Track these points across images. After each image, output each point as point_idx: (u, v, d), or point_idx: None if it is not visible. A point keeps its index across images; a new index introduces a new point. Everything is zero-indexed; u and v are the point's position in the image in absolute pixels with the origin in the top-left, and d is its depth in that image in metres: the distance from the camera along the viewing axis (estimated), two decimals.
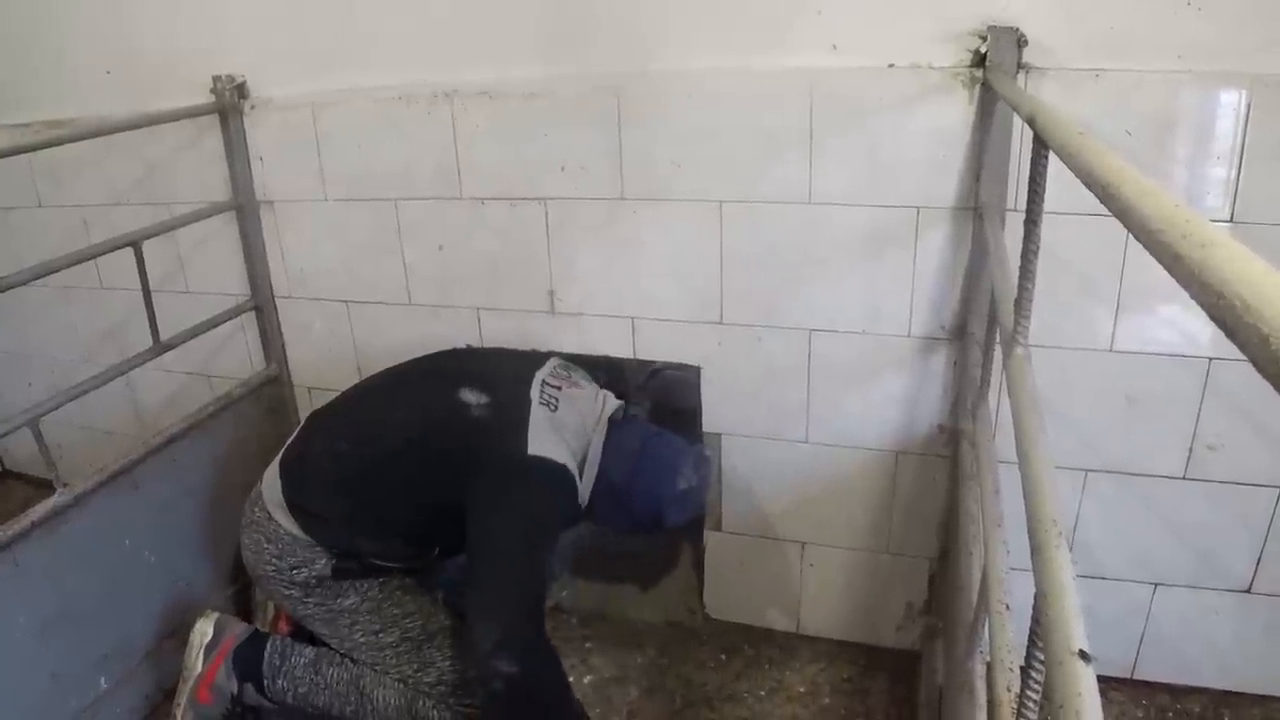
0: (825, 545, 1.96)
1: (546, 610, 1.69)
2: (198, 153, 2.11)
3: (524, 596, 1.54)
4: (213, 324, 2.09)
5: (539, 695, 1.54)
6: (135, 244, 1.83)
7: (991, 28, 1.53)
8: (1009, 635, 1.00)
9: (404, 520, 1.66)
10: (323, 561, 1.65)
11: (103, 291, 2.39)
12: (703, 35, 1.69)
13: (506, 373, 1.71)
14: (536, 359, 1.75)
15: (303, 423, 1.77)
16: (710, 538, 2.05)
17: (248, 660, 1.74)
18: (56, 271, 1.70)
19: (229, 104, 2.01)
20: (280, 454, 1.74)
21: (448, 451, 1.61)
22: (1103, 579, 1.80)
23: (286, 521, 1.65)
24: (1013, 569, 1.38)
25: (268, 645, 1.75)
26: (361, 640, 1.69)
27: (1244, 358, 0.34)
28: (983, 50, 1.55)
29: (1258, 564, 1.74)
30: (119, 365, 1.88)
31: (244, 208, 2.11)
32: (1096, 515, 1.77)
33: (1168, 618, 1.82)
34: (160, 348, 1.93)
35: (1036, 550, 0.69)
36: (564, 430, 1.63)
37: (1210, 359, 1.62)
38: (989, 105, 1.56)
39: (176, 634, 1.95)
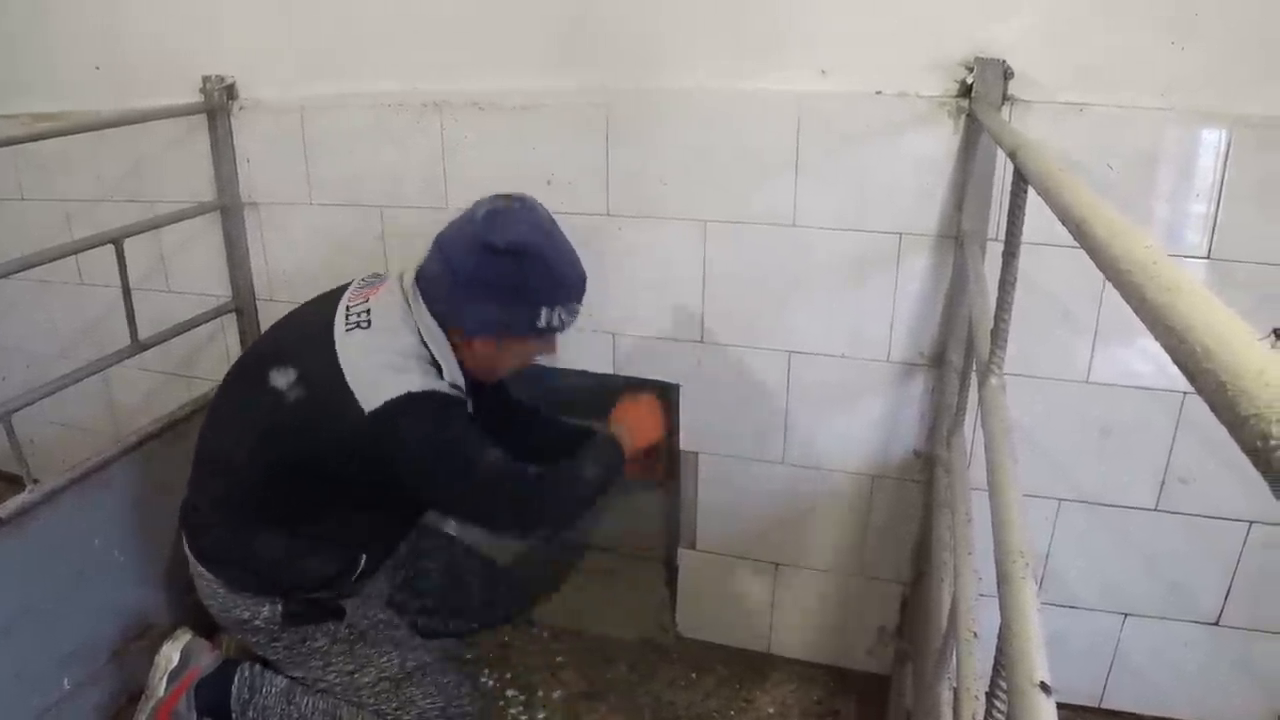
0: (799, 567, 1.96)
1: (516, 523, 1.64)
2: (184, 152, 2.11)
3: (494, 498, 1.52)
4: (192, 324, 2.08)
5: (574, 507, 1.65)
6: (117, 241, 1.81)
7: (978, 59, 1.55)
8: (975, 664, 1.01)
9: (307, 532, 1.57)
10: (268, 607, 1.59)
11: (82, 287, 2.37)
12: (695, 54, 1.70)
13: (310, 324, 1.54)
14: (337, 290, 1.60)
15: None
16: (684, 556, 2.05)
17: (212, 693, 1.69)
18: (36, 266, 1.69)
19: (218, 104, 2.01)
20: (180, 508, 1.69)
21: (297, 452, 1.47)
22: (1073, 608, 1.81)
23: (213, 579, 1.60)
24: (982, 595, 1.41)
25: (236, 677, 1.69)
26: (336, 681, 1.66)
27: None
28: (969, 81, 1.56)
29: (1226, 597, 1.76)
30: (96, 363, 1.86)
31: (229, 208, 2.10)
32: (1068, 545, 1.78)
33: (1137, 648, 1.83)
34: (138, 346, 1.91)
35: (1003, 580, 0.69)
36: (388, 339, 1.46)
37: (1184, 393, 1.64)
38: (974, 135, 1.57)
39: (144, 636, 1.93)
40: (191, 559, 1.64)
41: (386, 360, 1.44)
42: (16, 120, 2.19)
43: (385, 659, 1.67)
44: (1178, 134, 1.54)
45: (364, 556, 1.64)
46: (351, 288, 1.59)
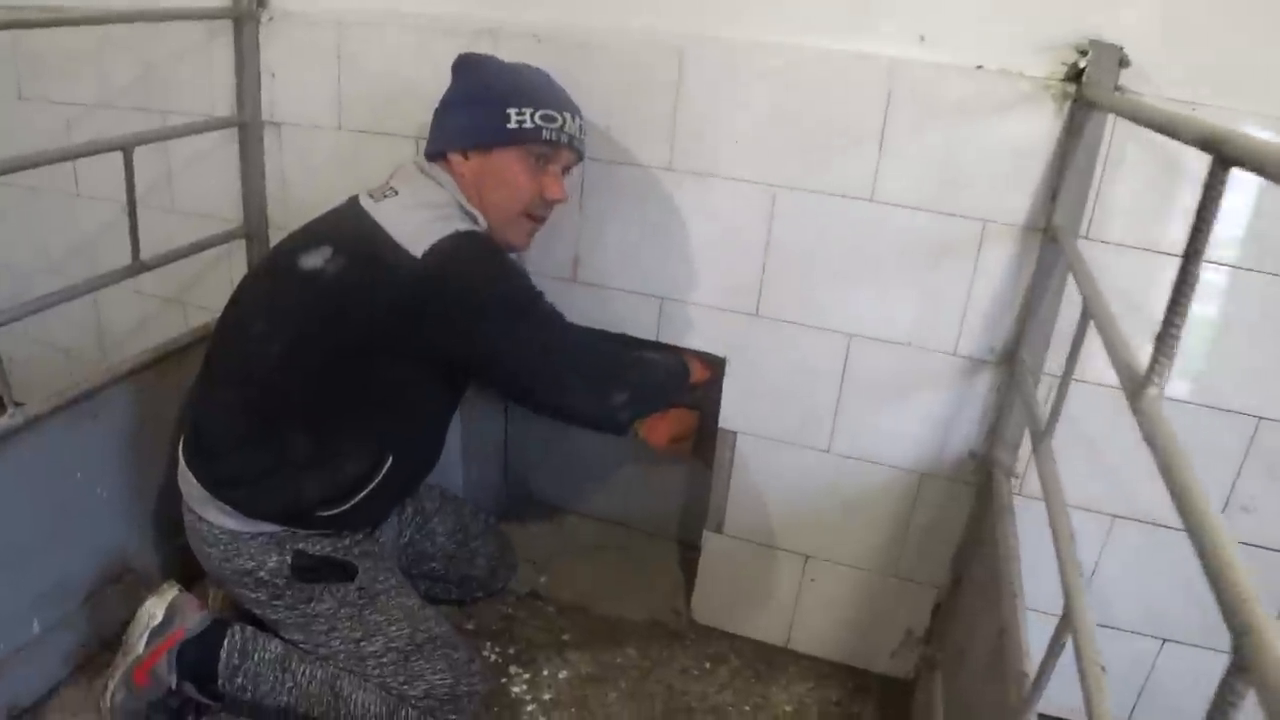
0: (830, 561, 1.87)
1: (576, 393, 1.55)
2: (203, 60, 1.93)
3: (567, 359, 1.51)
4: (198, 248, 1.92)
5: (650, 383, 1.65)
6: (126, 149, 1.64)
7: (1094, 42, 1.43)
8: (1107, 699, 0.91)
9: (338, 431, 1.48)
10: (275, 558, 1.49)
11: (78, 199, 2.19)
12: (784, 6, 1.57)
13: (331, 214, 1.55)
14: (350, 198, 1.56)
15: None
16: (709, 539, 1.94)
17: (197, 656, 1.54)
18: (35, 167, 1.52)
19: (245, 10, 1.83)
20: (180, 442, 1.58)
21: (340, 326, 1.41)
22: (1114, 629, 1.74)
23: (217, 515, 1.49)
24: (1030, 609, 1.33)
25: (225, 640, 1.55)
26: (340, 648, 1.54)
27: None
28: (1081, 65, 1.45)
29: None
30: (92, 280, 1.69)
31: (247, 126, 1.93)
32: (1117, 563, 1.70)
33: (1171, 674, 1.77)
34: (140, 266, 1.75)
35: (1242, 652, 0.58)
36: (422, 196, 1.49)
37: (1259, 419, 1.56)
38: (1078, 123, 1.46)
39: (122, 579, 1.79)
40: (197, 495, 1.50)
41: (425, 213, 1.44)
42: (23, 12, 1.99)
43: (395, 628, 1.55)
44: None
45: (391, 458, 1.53)
46: (362, 192, 1.55)
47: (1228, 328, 1.53)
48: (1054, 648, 1.05)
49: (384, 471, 1.52)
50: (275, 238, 2.02)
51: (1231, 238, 1.48)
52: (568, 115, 1.52)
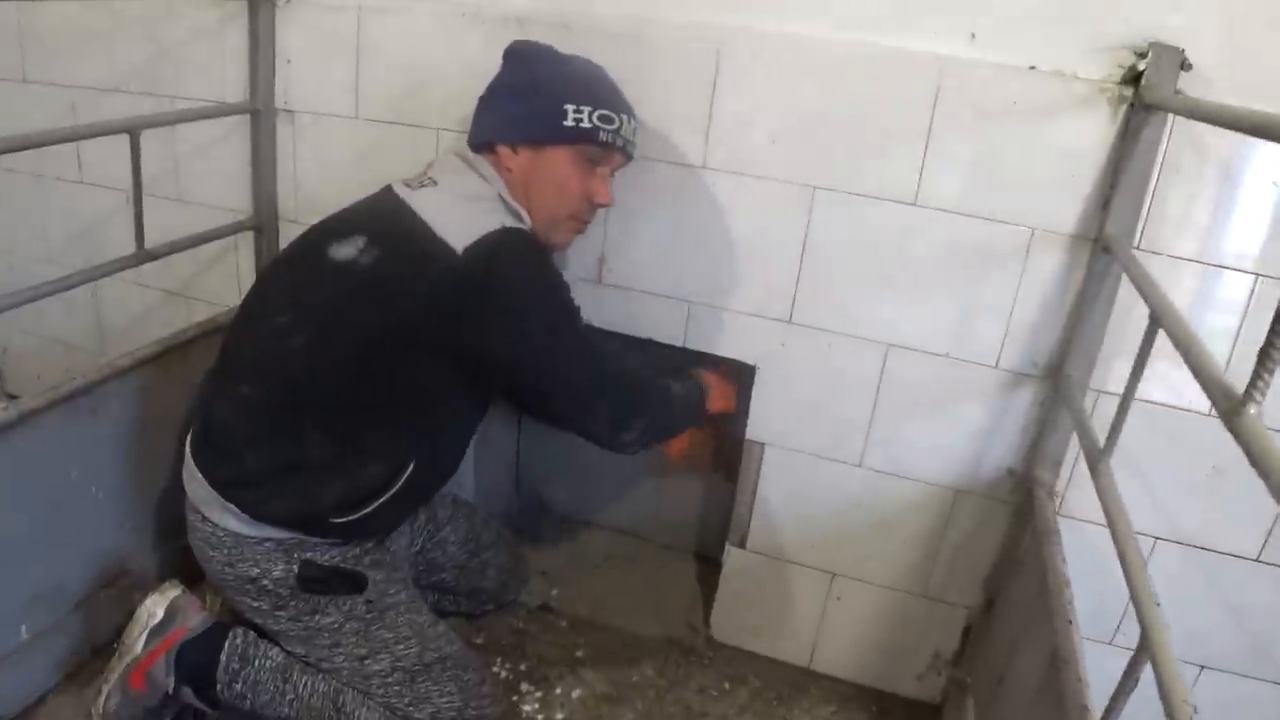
0: (858, 580, 1.79)
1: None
2: (217, 44, 1.86)
3: (594, 378, 1.45)
4: (204, 238, 1.84)
5: (666, 415, 1.59)
6: (133, 131, 1.57)
7: (1154, 44, 1.38)
8: None
9: (361, 432, 1.40)
10: (281, 566, 1.40)
11: (82, 186, 2.10)
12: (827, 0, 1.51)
13: (364, 203, 1.47)
14: (383, 188, 1.48)
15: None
16: (731, 554, 1.87)
17: (196, 662, 1.47)
18: (38, 147, 1.45)
19: None
20: (188, 439, 1.49)
21: (371, 319, 1.33)
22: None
23: (223, 516, 1.40)
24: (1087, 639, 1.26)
25: (226, 643, 1.48)
26: (344, 665, 1.46)
27: None
28: (1140, 67, 1.39)
29: None
30: (93, 269, 1.62)
31: (260, 114, 1.85)
32: (1158, 587, 1.63)
33: (1207, 703, 1.69)
34: (144, 255, 1.67)
35: None
36: (462, 186, 1.41)
37: None
38: (1135, 128, 1.40)
39: (116, 583, 1.71)
40: (203, 495, 1.42)
41: (468, 205, 1.38)
42: None
43: (403, 647, 1.47)
44: None
45: (412, 465, 1.44)
46: (396, 182, 1.46)
47: None
48: (1127, 682, 0.98)
49: (404, 478, 1.44)
50: (285, 230, 1.95)
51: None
52: (624, 117, 1.45)
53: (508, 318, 1.33)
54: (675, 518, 2.18)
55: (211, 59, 1.88)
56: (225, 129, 1.90)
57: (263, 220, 1.93)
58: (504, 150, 1.44)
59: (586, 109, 1.40)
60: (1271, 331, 0.86)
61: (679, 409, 1.63)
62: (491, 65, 1.65)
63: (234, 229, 1.90)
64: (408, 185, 1.42)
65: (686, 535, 2.19)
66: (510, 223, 1.35)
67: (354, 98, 1.80)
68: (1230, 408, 0.88)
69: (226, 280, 2.03)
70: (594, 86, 1.45)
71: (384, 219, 1.38)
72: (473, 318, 1.31)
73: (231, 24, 1.83)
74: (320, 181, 1.90)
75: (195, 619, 1.52)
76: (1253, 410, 0.86)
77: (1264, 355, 0.87)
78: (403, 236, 1.33)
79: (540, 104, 1.41)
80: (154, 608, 1.51)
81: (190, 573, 1.57)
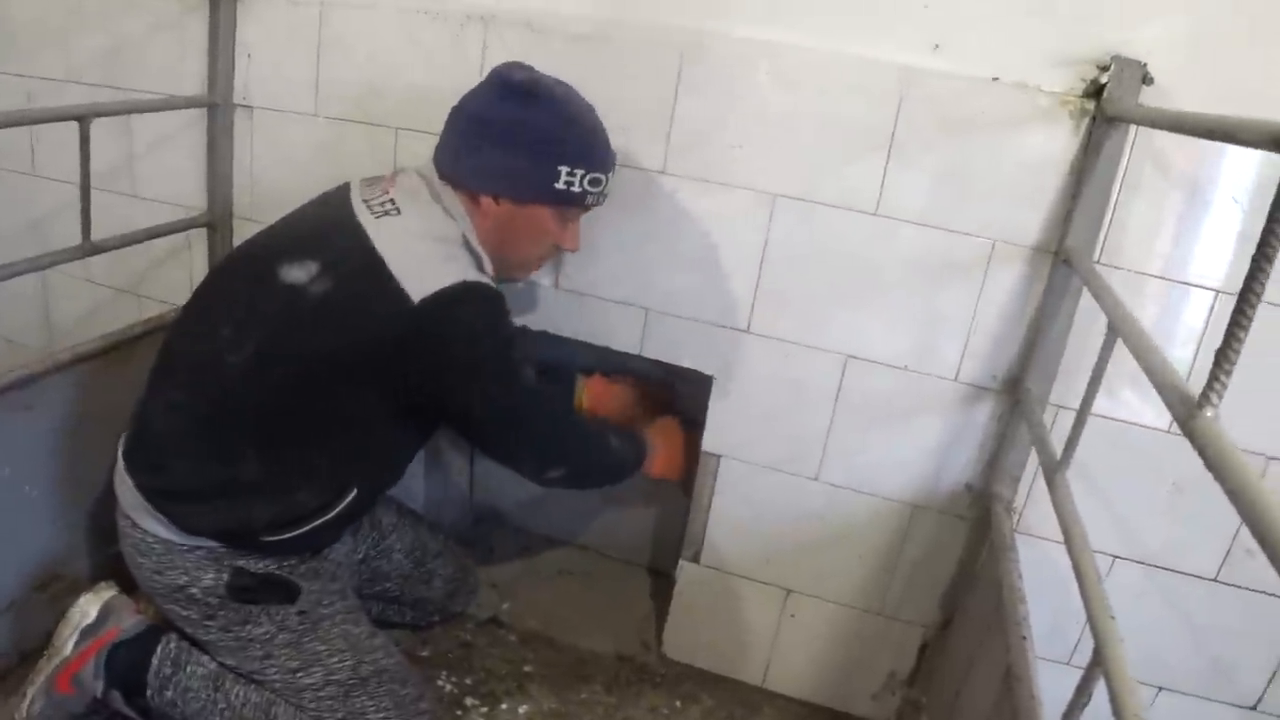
0: (813, 596, 1.76)
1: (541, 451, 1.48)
2: (176, 37, 1.82)
3: (533, 420, 1.41)
4: (156, 233, 1.79)
5: (593, 468, 1.58)
6: (83, 119, 1.53)
7: (1116, 58, 1.38)
8: None
9: (298, 455, 1.35)
10: (210, 574, 1.35)
11: (34, 179, 2.05)
12: (792, 5, 1.50)
13: (322, 217, 1.38)
14: (338, 190, 1.42)
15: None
16: (685, 569, 1.83)
17: (128, 665, 1.42)
18: None
19: None
20: (121, 442, 1.44)
21: (317, 351, 1.27)
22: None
23: (153, 523, 1.35)
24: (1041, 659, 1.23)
25: (159, 647, 1.43)
26: (276, 678, 1.41)
27: None
28: (1102, 80, 1.39)
29: (1270, 680, 1.63)
30: (38, 259, 1.57)
31: (218, 108, 1.82)
32: (1116, 606, 1.61)
33: None
34: (89, 247, 1.62)
35: None
36: (425, 224, 1.32)
37: (1268, 458, 1.50)
38: (1097, 141, 1.40)
39: (48, 587, 1.64)
40: (132, 501, 1.37)
41: (430, 247, 1.30)
42: None
43: (336, 660, 1.42)
44: None
45: (354, 491, 1.40)
46: (355, 186, 1.39)
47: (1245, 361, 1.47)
48: (1080, 697, 0.96)
49: (345, 502, 1.41)
50: (240, 228, 1.91)
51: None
52: (610, 174, 1.42)
53: (457, 372, 1.30)
54: (630, 532, 2.14)
55: (171, 52, 1.84)
56: (182, 123, 1.86)
57: (217, 217, 1.89)
58: (485, 200, 1.37)
59: (579, 173, 1.35)
60: (1228, 334, 0.84)
61: (612, 466, 1.60)
62: (454, 64, 1.64)
63: (186, 225, 1.86)
64: (368, 205, 1.34)
65: (641, 550, 2.15)
66: (470, 274, 1.28)
67: (314, 94, 1.77)
68: (1187, 412, 0.86)
69: (179, 278, 1.98)
70: (588, 142, 1.38)
71: (340, 247, 1.30)
72: (422, 367, 1.28)
73: (192, 16, 1.80)
74: (277, 179, 1.86)
75: (129, 620, 1.47)
76: (1209, 413, 0.85)
77: (1220, 357, 0.85)
78: (358, 272, 1.26)
79: (533, 164, 1.34)
80: (87, 607, 1.47)
81: (127, 580, 1.52)
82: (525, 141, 1.33)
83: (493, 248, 1.39)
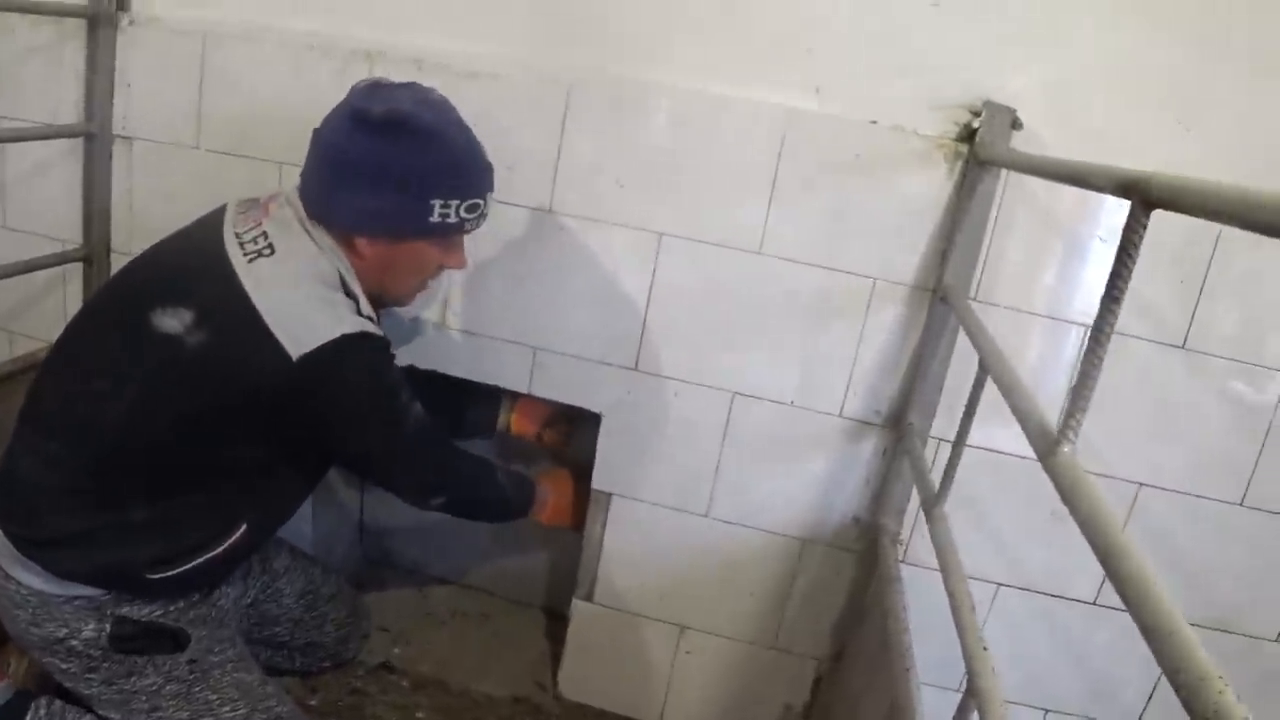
0: (706, 632, 1.76)
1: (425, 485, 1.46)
2: (50, 62, 1.75)
3: (418, 454, 1.40)
4: (29, 267, 1.72)
5: (476, 498, 1.54)
6: None
7: (988, 103, 1.43)
8: None
9: (184, 499, 1.29)
10: (92, 625, 1.28)
11: None
12: (678, 47, 1.52)
13: (194, 255, 1.30)
14: (212, 217, 1.34)
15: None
16: (578, 608, 1.81)
17: None
18: None
19: (103, 12, 1.67)
20: None
21: (196, 406, 1.22)
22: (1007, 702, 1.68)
23: (26, 574, 1.28)
24: (925, 684, 1.25)
25: (30, 711, 1.36)
26: None
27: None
28: (975, 125, 1.44)
29: (1149, 699, 1.68)
30: None
31: (95, 138, 1.75)
32: (1002, 632, 1.65)
33: None
34: None
35: None
36: (298, 265, 1.25)
37: (1140, 485, 1.56)
38: (970, 183, 1.44)
39: None
40: (2, 552, 1.29)
41: (306, 295, 1.23)
42: None
43: (229, 709, 1.37)
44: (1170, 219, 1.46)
45: (244, 526, 1.35)
46: (229, 213, 1.33)
47: (1110, 392, 1.53)
48: None
49: (234, 537, 1.36)
50: (117, 263, 1.84)
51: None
52: (488, 196, 1.36)
53: (344, 425, 1.29)
54: (523, 572, 2.11)
55: (47, 78, 1.77)
56: (57, 153, 1.79)
57: (93, 251, 1.82)
58: (359, 241, 1.30)
59: (454, 203, 1.29)
60: (1082, 372, 0.87)
61: (494, 500, 1.58)
62: (336, 98, 1.60)
63: (60, 259, 1.79)
64: (240, 242, 1.26)
65: (535, 590, 2.12)
66: (349, 323, 1.22)
67: (196, 126, 1.73)
68: (1047, 447, 0.89)
69: (54, 313, 1.89)
70: (461, 171, 1.31)
71: (215, 295, 1.23)
72: (307, 420, 1.25)
73: (70, 43, 1.74)
74: (157, 212, 1.79)
75: None
76: (1066, 449, 0.88)
77: (1076, 394, 0.88)
78: (234, 325, 1.20)
79: (404, 203, 1.27)
80: None
81: None
82: (392, 179, 1.26)
83: (372, 285, 1.35)
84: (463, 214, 1.31)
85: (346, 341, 1.20)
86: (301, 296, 1.22)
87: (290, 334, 1.18)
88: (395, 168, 1.25)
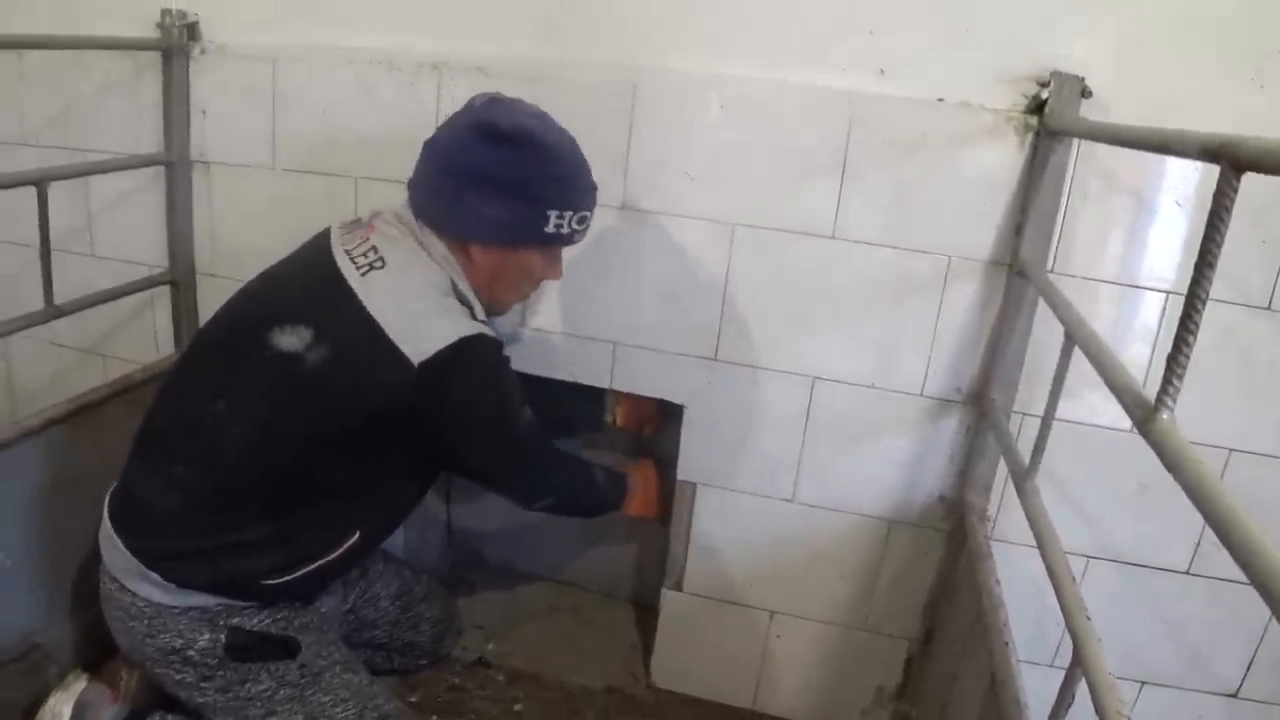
0: (797, 616, 1.77)
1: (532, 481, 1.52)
2: (128, 96, 1.82)
3: (529, 458, 1.47)
4: (119, 293, 1.79)
5: (577, 499, 1.62)
6: (40, 184, 1.52)
7: (1055, 74, 1.42)
8: None
9: (303, 513, 1.35)
10: (206, 635, 1.32)
11: None
12: (741, 38, 1.53)
13: (307, 276, 1.35)
14: (318, 239, 1.40)
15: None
16: (668, 598, 1.84)
17: None
18: None
19: (176, 43, 1.74)
20: (106, 503, 1.40)
21: (319, 420, 1.26)
22: None
23: (142, 585, 1.32)
24: (1027, 662, 1.25)
25: None
26: None
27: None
28: (1043, 96, 1.43)
29: (1248, 668, 1.66)
30: (1, 325, 1.56)
31: (175, 166, 1.82)
32: (1094, 606, 1.63)
33: (1151, 718, 1.71)
34: (53, 311, 1.61)
35: None
36: (412, 276, 1.30)
37: (1230, 450, 1.54)
38: (1042, 155, 1.44)
39: (25, 658, 1.61)
40: (123, 565, 1.33)
41: (422, 304, 1.28)
42: None
43: (341, 709, 1.41)
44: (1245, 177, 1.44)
45: (358, 533, 1.40)
46: (335, 233, 1.38)
47: (1197, 357, 1.51)
48: (1064, 697, 0.98)
49: (346, 545, 1.40)
50: (203, 284, 1.91)
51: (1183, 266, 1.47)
52: (594, 209, 1.41)
53: (463, 429, 1.33)
54: (612, 565, 2.14)
55: (126, 111, 1.84)
56: (139, 182, 1.86)
57: (179, 274, 1.89)
58: (474, 248, 1.35)
59: (568, 214, 1.35)
60: (1178, 338, 0.87)
61: (594, 499, 1.65)
62: (410, 112, 1.66)
63: (148, 284, 1.85)
64: (351, 258, 1.31)
65: (624, 582, 2.16)
66: (465, 327, 1.26)
67: (271, 147, 1.78)
68: (1144, 415, 0.89)
69: (144, 337, 1.97)
70: (575, 181, 1.36)
71: (331, 311, 1.27)
72: (427, 427, 1.29)
73: (145, 75, 1.80)
74: (238, 234, 1.86)
75: (107, 712, 1.44)
76: (1165, 416, 0.87)
77: (1172, 361, 0.88)
78: (353, 338, 1.25)
79: (524, 212, 1.32)
80: (59, 707, 1.43)
81: (105, 645, 1.49)
82: (512, 189, 1.30)
83: (484, 289, 1.40)
84: (574, 225, 1.36)
85: (466, 344, 1.25)
86: (418, 304, 1.27)
87: (410, 342, 1.22)
88: (519, 178, 1.30)
